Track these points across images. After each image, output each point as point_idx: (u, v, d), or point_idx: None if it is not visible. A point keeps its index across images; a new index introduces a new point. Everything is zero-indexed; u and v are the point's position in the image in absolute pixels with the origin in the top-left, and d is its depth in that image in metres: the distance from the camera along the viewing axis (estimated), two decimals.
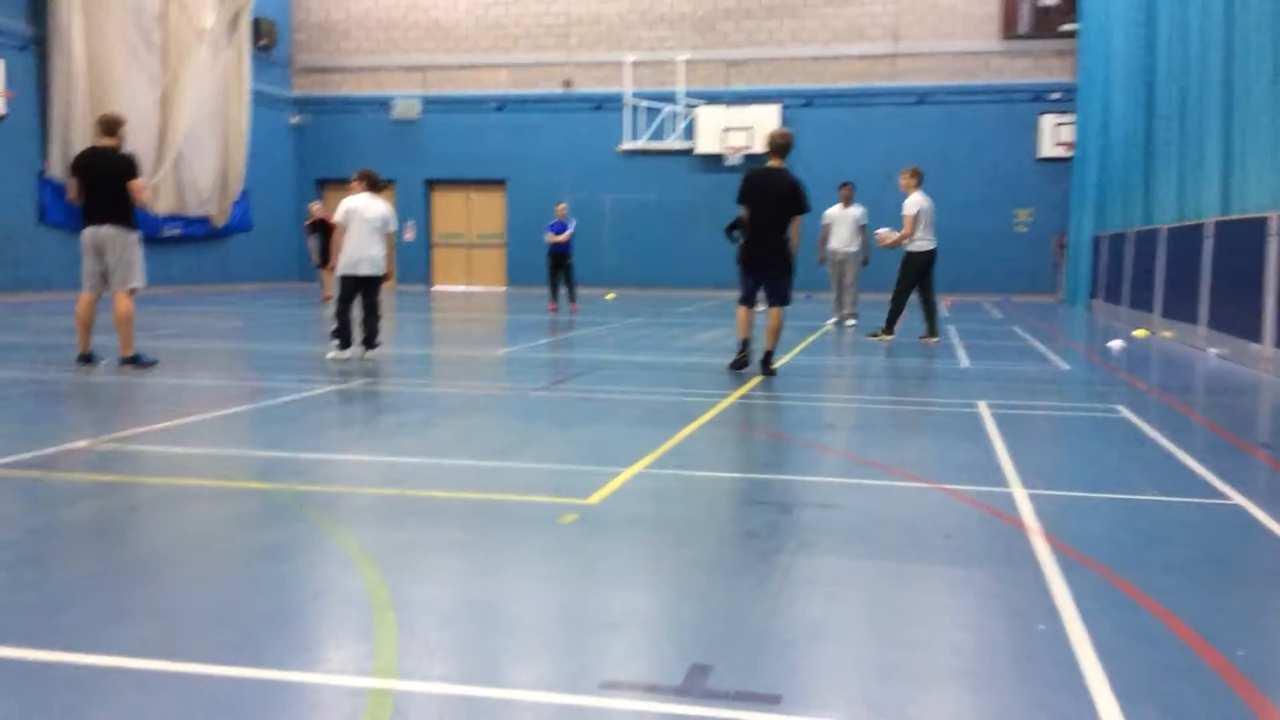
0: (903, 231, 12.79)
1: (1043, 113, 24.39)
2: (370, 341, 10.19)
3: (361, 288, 10.13)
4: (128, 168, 9.28)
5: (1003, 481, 5.22)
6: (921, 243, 12.81)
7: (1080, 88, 22.55)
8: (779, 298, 9.59)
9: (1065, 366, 10.69)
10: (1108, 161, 21.17)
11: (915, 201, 12.74)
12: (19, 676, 2.80)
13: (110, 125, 9.42)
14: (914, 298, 13.11)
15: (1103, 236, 20.77)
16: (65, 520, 4.40)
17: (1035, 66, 24.63)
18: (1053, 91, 24.38)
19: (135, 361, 9.32)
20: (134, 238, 9.36)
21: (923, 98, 25.01)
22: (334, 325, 10.12)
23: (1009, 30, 24.49)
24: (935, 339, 12.77)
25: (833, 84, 25.49)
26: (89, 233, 9.25)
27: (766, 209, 9.31)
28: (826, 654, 3.03)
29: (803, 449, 6.21)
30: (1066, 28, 23.69)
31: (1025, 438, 6.65)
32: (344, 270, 10.08)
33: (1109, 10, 20.57)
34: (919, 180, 13.05)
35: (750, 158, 24.06)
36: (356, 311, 10.18)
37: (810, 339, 13.36)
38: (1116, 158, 20.58)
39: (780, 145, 9.46)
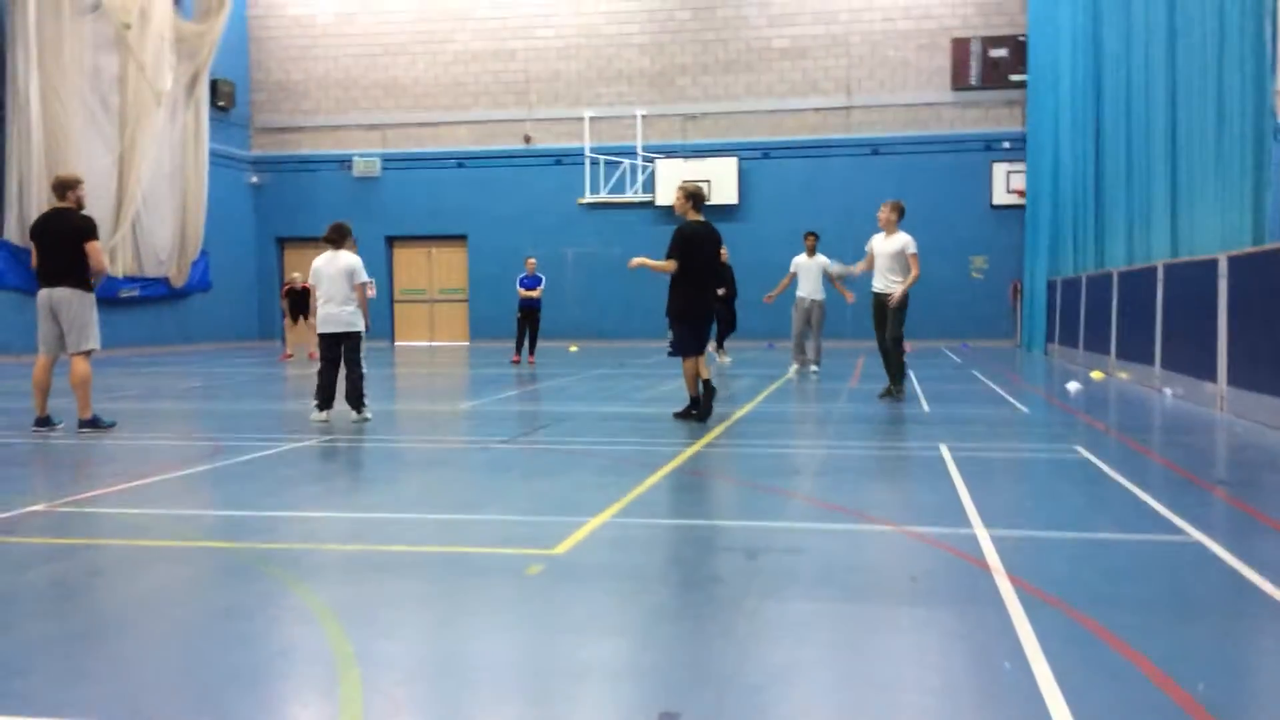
0: (913, 275, 11.33)
1: (995, 161, 24.83)
2: (354, 403, 9.79)
3: (339, 347, 9.86)
4: (84, 229, 9.18)
5: (966, 523, 5.27)
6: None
7: (1030, 137, 23.02)
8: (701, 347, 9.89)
9: (1024, 409, 10.81)
10: (1059, 207, 21.60)
11: (914, 240, 11.43)
12: None
13: (62, 187, 9.37)
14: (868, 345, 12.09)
15: (1057, 281, 21.11)
16: (23, 584, 4.33)
17: (986, 117, 25.11)
18: (1003, 140, 24.85)
19: (94, 424, 9.21)
20: (89, 299, 9.25)
21: (876, 149, 25.40)
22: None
23: (959, 82, 24.98)
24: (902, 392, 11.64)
25: (788, 136, 25.85)
26: (44, 294, 9.18)
27: (707, 261, 9.71)
28: (795, 697, 3.03)
29: (767, 495, 6.23)
30: (1016, 78, 24.23)
31: (987, 479, 6.71)
32: (319, 329, 9.93)
33: (1057, 61, 21.08)
34: (903, 214, 11.68)
35: (710, 209, 24.26)
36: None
37: (773, 387, 13.43)
38: (1067, 204, 21.01)
39: (703, 199, 9.86)
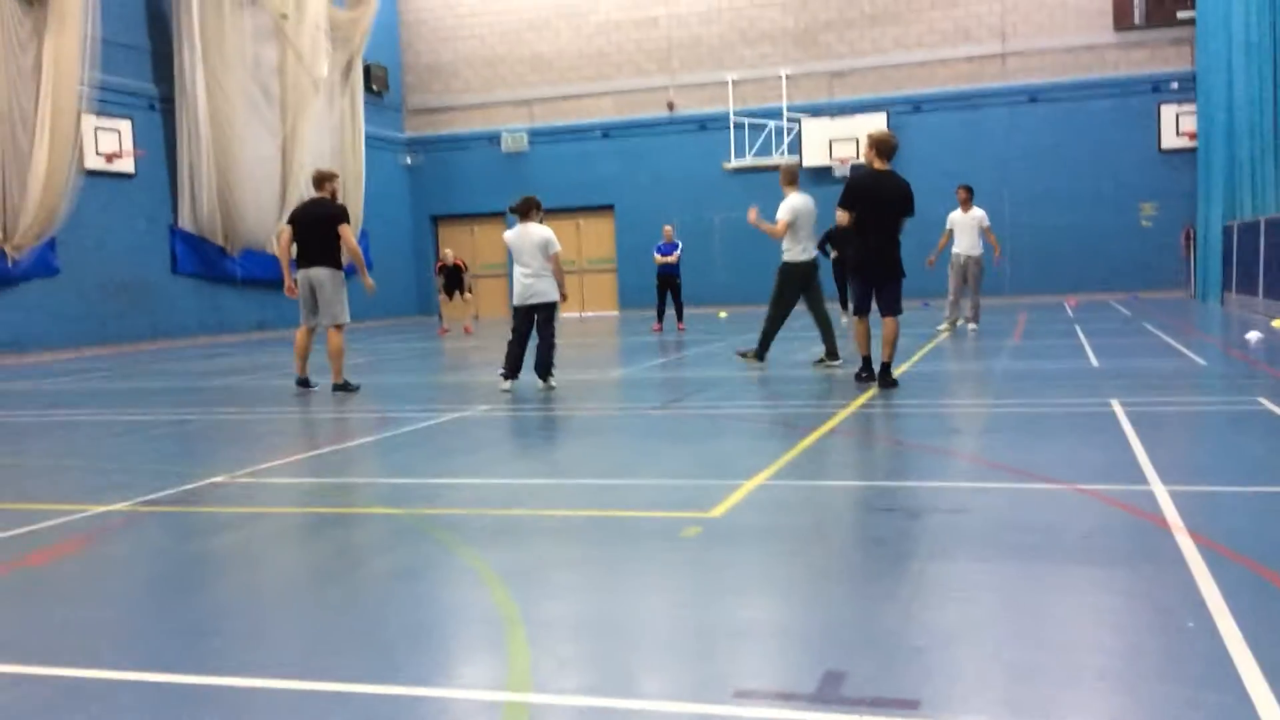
0: (776, 229, 11.24)
1: (1163, 103, 23.58)
2: (543, 372, 9.91)
3: (531, 319, 9.99)
4: (338, 214, 10.29)
5: (1141, 479, 5.03)
6: (801, 252, 11.18)
7: (1200, 76, 21.76)
8: (894, 306, 9.20)
9: (1201, 361, 10.28)
10: (1234, 149, 20.38)
11: (792, 205, 11.10)
12: (169, 700, 2.90)
13: (320, 179, 10.57)
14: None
15: (1233, 226, 19.96)
16: (208, 550, 4.56)
17: (1152, 57, 23.86)
18: (1172, 81, 23.57)
19: (344, 388, 10.36)
20: (339, 277, 10.37)
21: (1034, 96, 24.42)
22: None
23: (1122, 21, 23.77)
24: (837, 361, 10.91)
25: (940, 88, 25.07)
26: (302, 274, 10.27)
27: (882, 214, 8.99)
28: (964, 658, 2.95)
29: (929, 455, 6.08)
30: (1184, 15, 22.91)
31: (1163, 434, 6.40)
32: (515, 302, 10.12)
33: None
34: (793, 179, 11.57)
35: (858, 168, 23.81)
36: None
37: (929, 345, 13.11)
38: (1243, 144, 19.80)
39: (889, 148, 9.14)
